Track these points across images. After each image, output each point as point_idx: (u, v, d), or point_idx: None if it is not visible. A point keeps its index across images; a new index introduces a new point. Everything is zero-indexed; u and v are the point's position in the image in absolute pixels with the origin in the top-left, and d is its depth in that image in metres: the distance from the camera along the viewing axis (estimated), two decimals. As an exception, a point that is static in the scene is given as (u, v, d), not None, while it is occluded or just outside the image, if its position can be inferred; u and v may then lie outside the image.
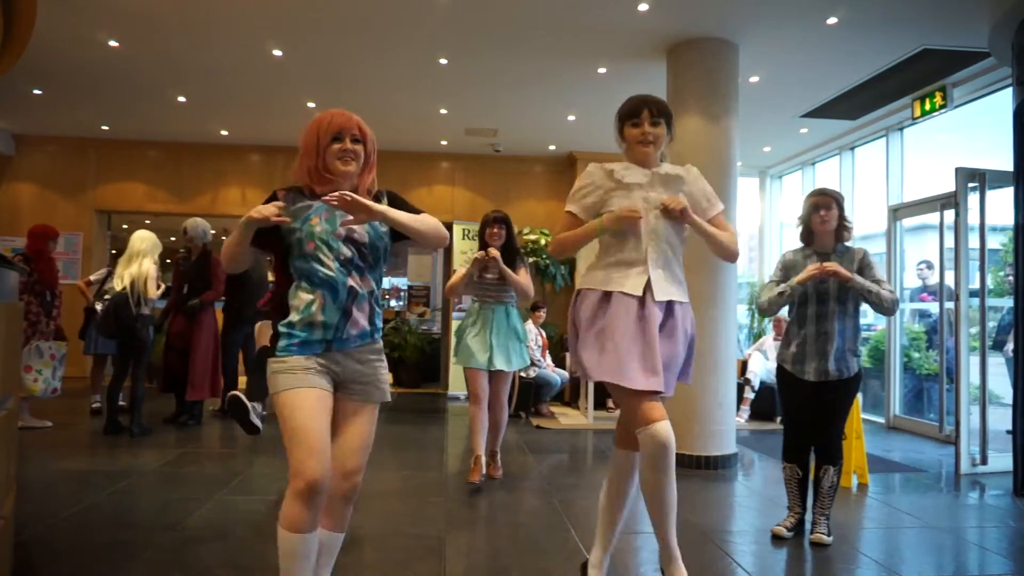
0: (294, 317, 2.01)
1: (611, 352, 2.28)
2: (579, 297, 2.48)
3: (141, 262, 5.40)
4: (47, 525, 3.25)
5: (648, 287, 2.34)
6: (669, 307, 2.37)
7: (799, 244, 3.50)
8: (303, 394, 1.94)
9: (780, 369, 3.44)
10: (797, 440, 3.44)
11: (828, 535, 3.28)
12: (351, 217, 1.97)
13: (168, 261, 8.31)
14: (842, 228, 3.38)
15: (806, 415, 3.37)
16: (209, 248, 6.10)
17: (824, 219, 3.31)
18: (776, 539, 3.36)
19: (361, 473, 2.08)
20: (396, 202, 2.16)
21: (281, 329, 2.02)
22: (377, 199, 2.12)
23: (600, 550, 2.57)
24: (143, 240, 5.49)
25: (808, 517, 3.44)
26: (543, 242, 8.80)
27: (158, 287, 5.53)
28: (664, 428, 2.22)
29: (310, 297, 2.01)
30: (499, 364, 4.24)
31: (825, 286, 3.27)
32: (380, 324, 2.15)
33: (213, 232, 6.42)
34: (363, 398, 2.07)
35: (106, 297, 5.32)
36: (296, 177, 2.11)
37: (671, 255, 2.41)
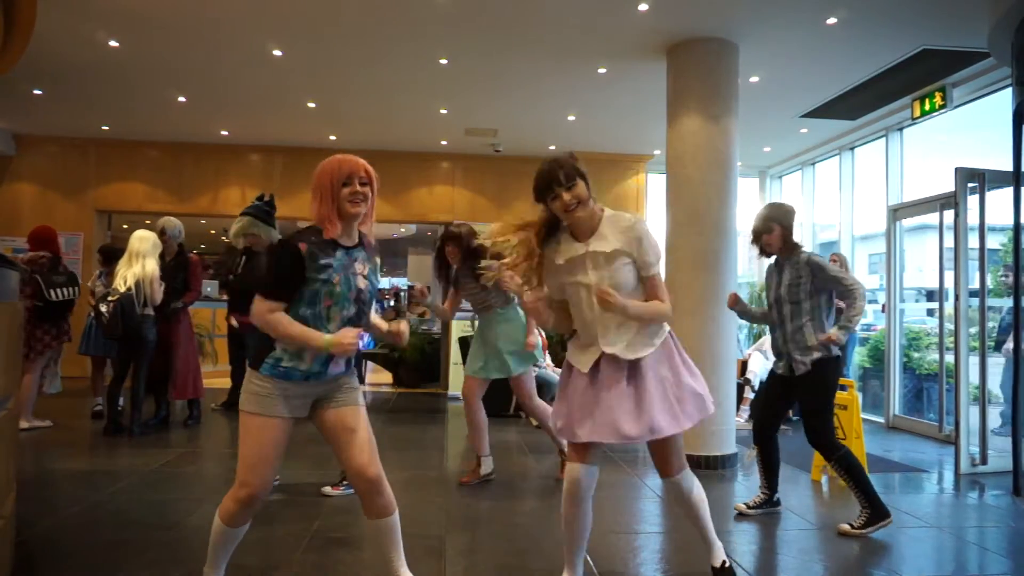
0: (283, 356, 2.17)
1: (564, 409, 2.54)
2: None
3: (144, 263, 5.39)
4: (47, 525, 3.26)
5: (601, 359, 2.45)
6: (634, 363, 2.44)
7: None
8: (267, 424, 2.16)
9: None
10: (758, 423, 3.80)
11: (852, 524, 3.44)
12: (360, 280, 2.23)
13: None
14: (790, 246, 3.59)
15: (770, 401, 3.76)
16: (184, 247, 6.11)
17: (768, 243, 3.59)
18: (738, 515, 3.71)
19: (376, 464, 2.24)
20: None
21: (268, 359, 2.18)
22: (375, 251, 2.40)
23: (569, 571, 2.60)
24: (143, 240, 5.47)
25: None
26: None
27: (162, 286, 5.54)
28: (573, 469, 2.48)
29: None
30: (495, 372, 4.28)
31: (781, 291, 3.58)
32: (350, 364, 2.33)
33: (213, 232, 6.42)
34: (349, 402, 2.29)
35: (109, 299, 5.31)
36: (316, 220, 2.23)
37: (623, 320, 2.42)
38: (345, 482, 3.96)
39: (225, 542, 2.30)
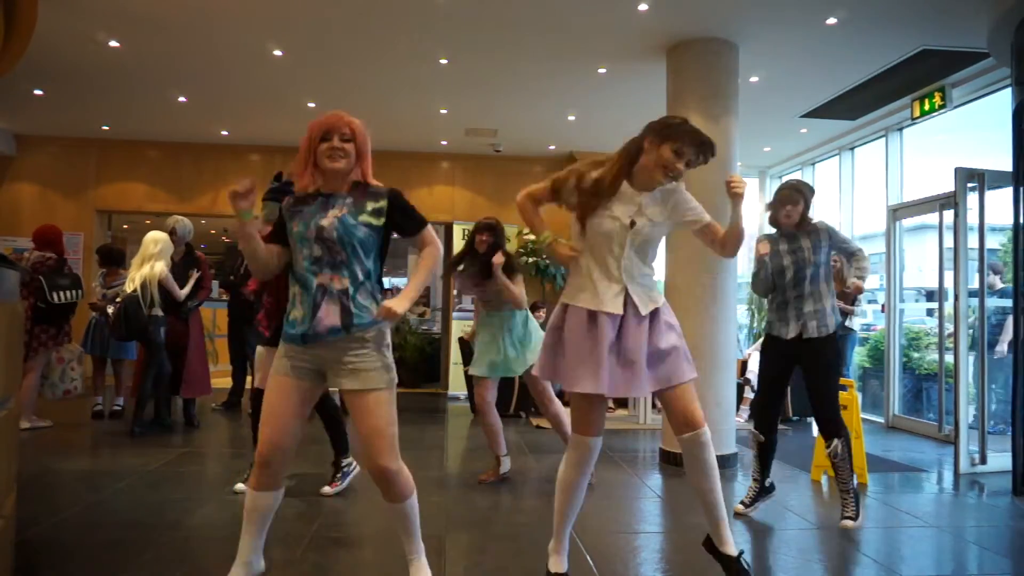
0: (288, 306, 2.30)
1: (572, 360, 2.44)
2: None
3: (153, 264, 5.40)
4: (48, 525, 3.26)
5: (628, 303, 2.43)
6: (653, 313, 2.47)
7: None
8: (275, 381, 2.26)
9: (765, 335, 3.77)
10: (763, 398, 3.76)
11: (855, 518, 3.47)
12: (327, 219, 2.21)
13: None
14: (804, 220, 3.65)
15: (779, 373, 3.70)
16: (192, 247, 6.12)
17: (788, 214, 3.63)
18: (738, 515, 3.67)
19: (381, 457, 2.22)
20: (398, 203, 2.32)
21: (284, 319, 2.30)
22: (375, 196, 2.30)
23: (557, 540, 2.64)
24: (155, 243, 5.49)
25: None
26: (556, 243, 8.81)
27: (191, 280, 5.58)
28: (583, 440, 2.52)
29: (293, 291, 2.29)
30: (504, 371, 4.22)
31: (801, 254, 3.60)
32: (360, 320, 2.22)
33: (213, 232, 6.42)
34: (352, 387, 2.22)
35: (117, 300, 5.32)
36: (293, 175, 2.31)
37: (643, 271, 2.49)
38: (339, 475, 3.98)
39: (249, 511, 2.30)
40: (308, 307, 2.20)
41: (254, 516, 2.32)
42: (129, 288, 5.35)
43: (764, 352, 3.79)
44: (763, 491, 3.77)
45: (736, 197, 2.48)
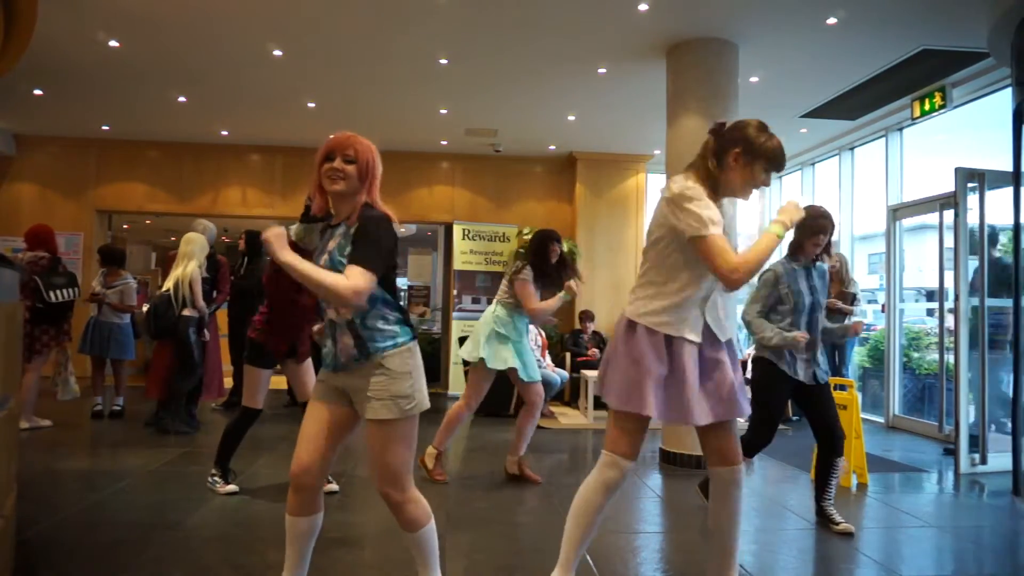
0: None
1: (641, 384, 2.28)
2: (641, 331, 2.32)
3: (187, 264, 5.41)
4: (48, 525, 3.26)
5: (707, 330, 2.34)
6: (728, 343, 2.38)
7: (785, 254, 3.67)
8: (312, 405, 2.24)
9: (769, 365, 3.52)
10: (765, 440, 3.60)
11: (847, 522, 3.46)
12: (324, 252, 2.15)
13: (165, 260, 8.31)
14: (828, 248, 3.57)
15: (783, 407, 3.65)
16: (213, 249, 6.11)
17: (818, 244, 3.50)
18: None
19: (384, 485, 2.17)
20: (363, 227, 2.08)
21: None
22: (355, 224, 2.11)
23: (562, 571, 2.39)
24: (190, 242, 5.47)
25: (791, 516, 3.44)
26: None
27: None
28: (623, 464, 2.35)
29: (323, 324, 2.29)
30: (534, 376, 4.27)
31: (816, 296, 3.52)
32: (375, 345, 2.11)
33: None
34: (364, 412, 2.15)
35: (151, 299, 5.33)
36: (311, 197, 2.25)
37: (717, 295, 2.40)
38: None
39: (289, 536, 2.26)
40: (331, 339, 2.21)
41: (294, 542, 2.26)
42: (166, 287, 5.35)
43: (767, 383, 3.56)
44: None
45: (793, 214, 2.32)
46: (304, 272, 1.96)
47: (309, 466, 2.17)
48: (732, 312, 2.47)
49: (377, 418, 2.11)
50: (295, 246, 2.17)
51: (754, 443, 3.60)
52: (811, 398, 3.54)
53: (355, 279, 1.98)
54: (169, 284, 5.40)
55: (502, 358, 4.19)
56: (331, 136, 2.18)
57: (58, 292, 5.50)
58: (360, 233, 2.07)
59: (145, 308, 5.32)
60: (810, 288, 3.52)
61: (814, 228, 3.44)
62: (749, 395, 2.38)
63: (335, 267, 2.08)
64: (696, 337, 2.29)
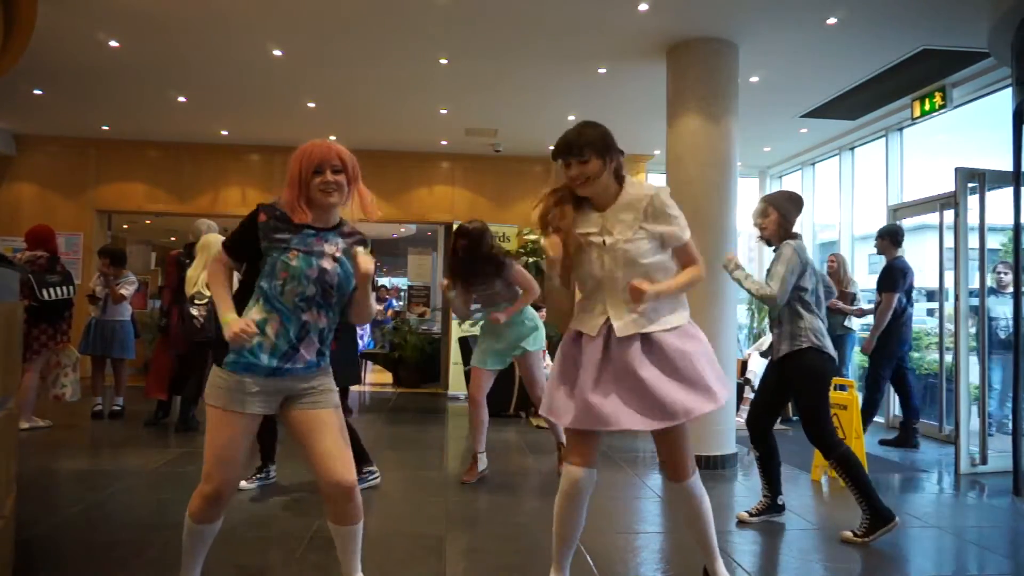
0: (243, 351, 2.11)
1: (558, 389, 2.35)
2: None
3: None
4: (48, 525, 3.26)
5: (608, 326, 2.28)
6: (644, 338, 2.27)
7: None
8: (231, 418, 2.12)
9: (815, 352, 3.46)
10: (752, 418, 3.65)
11: (855, 532, 3.30)
12: (328, 261, 2.14)
13: (165, 260, 8.31)
14: (781, 234, 3.55)
15: (764, 395, 3.65)
16: None
17: (763, 227, 3.56)
18: (739, 523, 3.59)
19: (349, 472, 2.19)
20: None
21: (231, 353, 2.12)
22: (361, 242, 2.26)
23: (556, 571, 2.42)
24: (211, 245, 5.43)
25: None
26: (543, 242, 8.81)
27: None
28: (574, 472, 2.31)
29: (264, 316, 2.12)
30: (500, 364, 4.32)
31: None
32: (326, 354, 2.25)
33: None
34: (319, 406, 2.19)
35: (197, 302, 5.29)
36: (283, 204, 2.17)
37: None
38: (259, 476, 4.04)
39: (194, 541, 2.23)
40: (286, 343, 2.12)
41: (199, 546, 2.26)
42: (207, 290, 5.30)
43: (766, 369, 3.77)
44: (772, 508, 3.62)
45: (636, 298, 2.23)
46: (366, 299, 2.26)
47: (232, 480, 2.19)
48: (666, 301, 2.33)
49: (335, 404, 2.22)
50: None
51: (750, 420, 3.66)
52: (784, 384, 3.55)
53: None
54: (199, 288, 5.33)
55: (479, 358, 4.32)
56: (306, 148, 2.16)
57: (52, 290, 5.49)
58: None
59: (196, 312, 5.27)
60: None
61: (752, 212, 3.63)
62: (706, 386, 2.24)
63: (347, 278, 2.18)
64: (590, 331, 2.29)
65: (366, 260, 2.15)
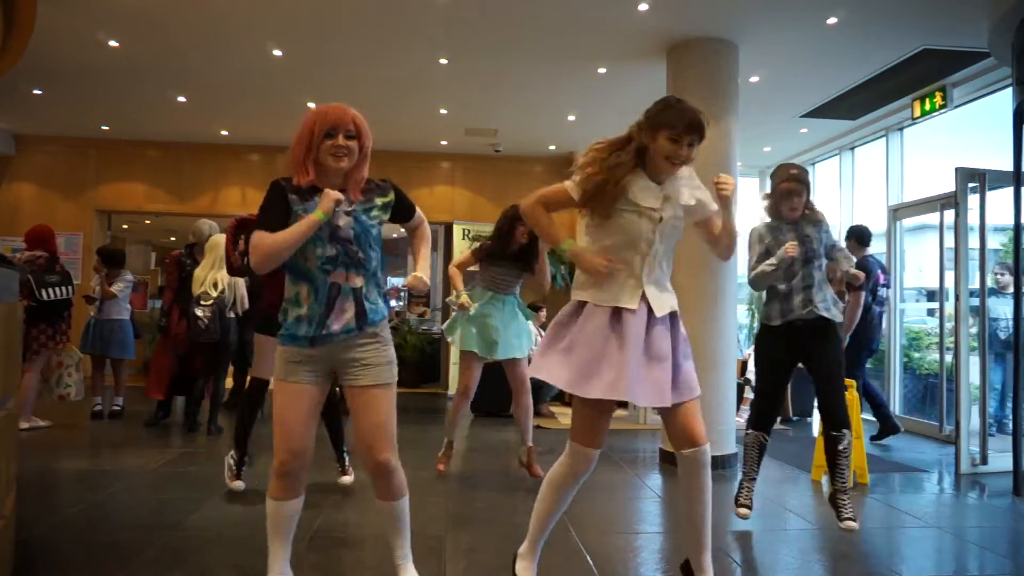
0: (286, 307, 2.20)
1: (578, 362, 2.27)
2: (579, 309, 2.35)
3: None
4: (47, 525, 3.26)
5: (644, 301, 2.29)
6: (671, 317, 2.35)
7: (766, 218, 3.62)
8: (286, 388, 2.17)
9: (763, 330, 3.51)
10: (772, 404, 3.53)
11: (855, 518, 3.29)
12: (341, 217, 2.14)
13: (166, 260, 8.32)
14: (808, 208, 3.50)
15: (783, 366, 3.49)
16: None
17: (794, 207, 3.43)
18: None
19: (385, 451, 2.21)
20: (400, 194, 2.34)
21: (280, 318, 2.22)
22: (381, 190, 2.27)
23: (531, 542, 2.50)
24: (220, 246, 5.45)
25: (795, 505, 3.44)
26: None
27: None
28: (589, 453, 2.34)
29: (295, 290, 2.18)
30: (512, 352, 4.26)
31: (810, 244, 3.42)
32: (374, 316, 2.20)
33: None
34: (362, 382, 2.18)
35: (203, 303, 5.30)
36: (288, 167, 2.17)
37: (663, 271, 2.37)
38: (347, 463, 4.10)
39: (275, 522, 2.25)
40: (320, 307, 2.12)
41: (281, 526, 2.26)
42: (212, 291, 5.31)
43: (763, 348, 3.54)
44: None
45: (724, 200, 2.36)
46: (430, 255, 2.45)
47: (299, 451, 2.18)
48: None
49: (383, 382, 2.19)
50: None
51: (757, 410, 3.55)
52: (808, 350, 3.40)
53: (422, 215, 2.45)
54: (222, 287, 5.33)
55: (466, 338, 4.23)
56: (322, 108, 2.14)
57: (50, 290, 5.48)
58: (400, 195, 2.32)
59: (200, 313, 5.28)
60: (800, 240, 3.41)
61: (782, 192, 3.42)
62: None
63: (364, 229, 2.17)
64: (630, 304, 2.26)
65: (412, 283, 2.27)
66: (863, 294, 5.59)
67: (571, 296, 2.40)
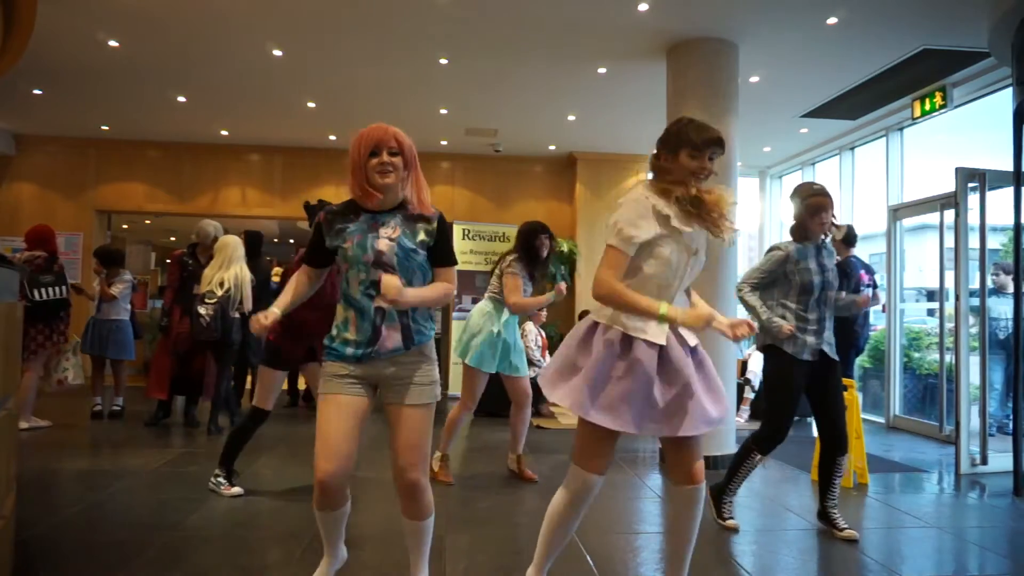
0: (334, 332, 2.23)
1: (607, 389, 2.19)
2: (599, 329, 2.25)
3: (241, 266, 5.40)
4: (47, 525, 3.26)
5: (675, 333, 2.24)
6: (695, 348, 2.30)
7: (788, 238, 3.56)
8: (330, 401, 2.18)
9: (790, 360, 3.38)
10: (784, 432, 3.43)
11: (851, 527, 3.37)
12: (383, 242, 2.15)
13: (167, 260, 8.32)
14: (832, 226, 3.47)
15: (799, 403, 3.45)
16: None
17: (823, 221, 3.38)
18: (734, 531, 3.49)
19: (414, 469, 2.21)
20: (443, 228, 2.28)
21: (326, 341, 2.25)
22: (427, 220, 2.24)
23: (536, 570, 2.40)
24: (237, 246, 5.41)
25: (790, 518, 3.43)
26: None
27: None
28: (592, 480, 2.23)
29: (345, 315, 2.22)
30: (522, 371, 4.31)
31: (828, 275, 3.40)
32: (421, 337, 2.24)
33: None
34: (400, 400, 2.21)
35: (207, 301, 5.30)
36: (351, 191, 2.23)
37: (685, 298, 2.41)
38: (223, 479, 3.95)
39: (324, 526, 2.34)
40: (366, 332, 2.16)
41: (330, 529, 2.36)
42: (218, 290, 5.30)
43: (788, 378, 3.40)
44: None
45: (719, 329, 2.24)
46: (429, 298, 2.20)
47: (342, 464, 2.15)
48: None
49: (422, 402, 2.21)
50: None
51: (767, 437, 3.46)
52: (819, 385, 3.42)
53: (454, 278, 2.31)
54: (228, 286, 5.33)
55: (486, 359, 4.17)
56: (364, 132, 2.21)
57: (42, 291, 5.48)
58: (443, 228, 2.26)
59: (203, 311, 5.29)
60: (820, 267, 3.39)
61: (814, 206, 3.34)
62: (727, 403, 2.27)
63: (407, 256, 2.17)
64: (658, 339, 2.17)
65: (387, 282, 2.04)
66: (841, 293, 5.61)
67: (583, 313, 2.38)
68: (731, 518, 3.54)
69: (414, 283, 2.20)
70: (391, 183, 2.16)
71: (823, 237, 3.45)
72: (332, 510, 2.26)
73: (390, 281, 2.03)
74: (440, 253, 2.26)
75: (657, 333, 2.17)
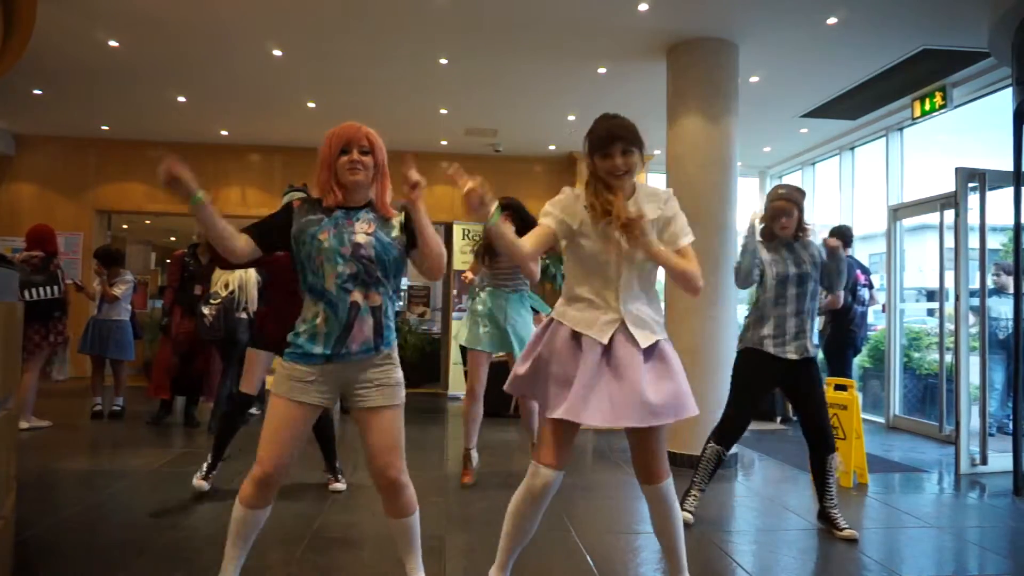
0: (300, 327, 2.19)
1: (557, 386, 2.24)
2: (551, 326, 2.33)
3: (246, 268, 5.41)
4: (47, 525, 3.26)
5: (621, 333, 2.23)
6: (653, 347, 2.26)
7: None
8: (283, 404, 2.16)
9: (751, 353, 3.47)
10: (743, 424, 3.54)
11: (851, 527, 3.37)
12: (361, 236, 2.15)
13: (168, 260, 8.32)
14: (800, 229, 3.49)
15: (764, 393, 3.53)
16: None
17: (785, 226, 3.44)
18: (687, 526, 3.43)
19: (394, 468, 2.22)
20: (406, 216, 2.26)
21: (289, 337, 2.20)
22: (398, 215, 2.27)
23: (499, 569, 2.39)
24: None
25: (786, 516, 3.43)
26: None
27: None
28: (546, 474, 2.23)
29: (315, 310, 2.17)
30: (498, 347, 4.23)
31: (804, 268, 3.43)
32: (390, 336, 2.24)
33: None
34: (373, 403, 2.20)
35: (212, 301, 5.31)
36: (317, 190, 2.24)
37: (643, 295, 2.30)
38: (339, 473, 4.06)
39: (240, 527, 2.25)
40: (337, 326, 2.13)
41: (244, 532, 2.26)
42: (223, 291, 5.31)
43: (750, 372, 3.49)
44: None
45: (632, 234, 2.22)
46: (431, 230, 2.22)
47: (282, 465, 2.17)
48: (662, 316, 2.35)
49: (394, 403, 2.21)
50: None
51: (727, 428, 3.52)
52: (798, 384, 3.43)
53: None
54: (232, 287, 5.34)
55: (472, 335, 4.20)
56: (336, 129, 2.21)
57: (34, 290, 5.46)
58: (409, 217, 2.24)
59: (207, 311, 5.30)
60: (795, 261, 3.42)
61: (771, 211, 3.45)
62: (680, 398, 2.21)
63: (385, 249, 2.17)
64: (600, 336, 2.21)
65: (413, 173, 2.14)
66: (839, 293, 5.62)
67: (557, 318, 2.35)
68: (689, 511, 3.47)
69: (390, 277, 2.21)
70: (360, 180, 2.18)
71: (798, 236, 3.48)
72: (261, 507, 2.23)
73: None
74: (411, 237, 2.25)
75: (599, 333, 2.22)
